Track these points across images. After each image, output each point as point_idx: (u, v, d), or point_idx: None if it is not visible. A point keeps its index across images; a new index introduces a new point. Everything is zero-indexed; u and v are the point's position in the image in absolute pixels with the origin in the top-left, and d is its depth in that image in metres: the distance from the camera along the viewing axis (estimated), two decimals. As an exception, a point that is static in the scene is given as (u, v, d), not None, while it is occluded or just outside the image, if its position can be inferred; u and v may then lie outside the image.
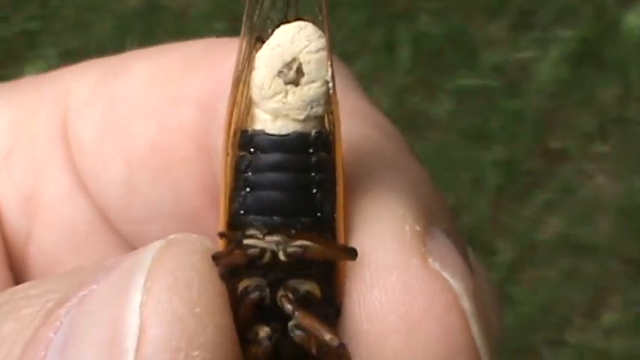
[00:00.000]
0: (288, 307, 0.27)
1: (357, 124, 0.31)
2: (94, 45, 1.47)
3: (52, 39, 1.53)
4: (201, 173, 0.33)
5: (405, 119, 1.53)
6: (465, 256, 0.29)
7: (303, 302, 0.27)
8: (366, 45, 1.56)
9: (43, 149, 0.35)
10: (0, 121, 0.35)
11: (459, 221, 1.50)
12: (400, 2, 1.58)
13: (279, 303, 0.27)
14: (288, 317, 0.27)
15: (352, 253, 0.27)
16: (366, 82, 1.57)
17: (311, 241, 0.27)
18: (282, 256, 0.27)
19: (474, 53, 1.53)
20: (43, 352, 0.26)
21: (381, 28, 1.56)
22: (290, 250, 0.27)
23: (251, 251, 0.27)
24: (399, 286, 0.27)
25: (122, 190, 0.34)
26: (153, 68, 0.33)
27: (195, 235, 0.28)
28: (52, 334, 0.27)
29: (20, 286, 0.29)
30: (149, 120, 0.33)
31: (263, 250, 0.27)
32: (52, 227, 0.35)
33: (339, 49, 1.52)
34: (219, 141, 0.30)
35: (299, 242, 0.27)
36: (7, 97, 0.35)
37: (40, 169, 0.35)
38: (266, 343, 0.27)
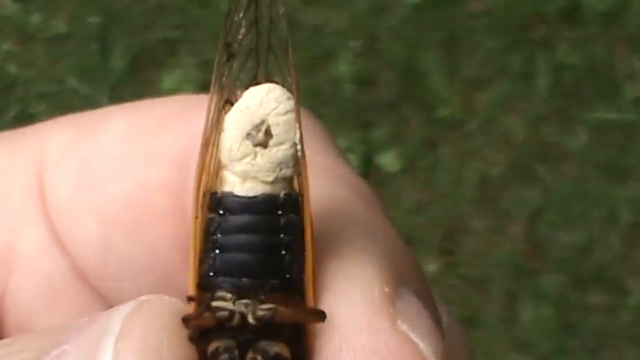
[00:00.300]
0: None
1: (330, 185, 0.31)
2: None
3: (191, 48, 1.56)
4: (175, 230, 0.33)
5: (538, 149, 1.49)
6: (435, 317, 0.29)
7: None
8: (503, 71, 1.53)
9: (19, 204, 0.35)
10: None
11: (590, 257, 1.46)
12: (540, 30, 1.54)
13: None
14: None
15: (321, 316, 0.27)
16: (501, 109, 1.54)
17: (280, 303, 0.27)
18: (251, 320, 0.27)
19: (614, 86, 1.48)
20: None
21: (519, 55, 1.53)
22: (259, 313, 0.27)
23: (220, 314, 0.27)
24: (368, 349, 0.27)
25: (97, 248, 0.34)
26: (128, 124, 0.34)
27: (166, 297, 0.28)
28: None
29: None
30: (124, 177, 0.33)
31: (232, 313, 0.27)
32: (28, 282, 0.35)
33: (474, 73, 1.49)
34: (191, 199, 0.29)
35: (268, 305, 0.27)
36: None
37: (16, 225, 0.35)
38: None
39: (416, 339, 0.27)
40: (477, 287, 1.49)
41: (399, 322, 0.27)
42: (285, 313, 0.27)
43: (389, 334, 0.27)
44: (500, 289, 1.48)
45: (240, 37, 0.29)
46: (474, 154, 1.55)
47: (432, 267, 1.48)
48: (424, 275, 0.31)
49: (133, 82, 1.53)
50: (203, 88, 1.55)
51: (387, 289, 0.28)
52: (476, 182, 1.54)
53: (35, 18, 1.60)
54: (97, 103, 1.50)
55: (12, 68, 1.58)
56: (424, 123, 1.55)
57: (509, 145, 1.55)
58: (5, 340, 0.29)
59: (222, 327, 0.27)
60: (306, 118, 0.32)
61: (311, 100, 1.54)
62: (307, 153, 0.28)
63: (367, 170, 1.53)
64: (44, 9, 1.60)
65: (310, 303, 0.28)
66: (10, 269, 0.35)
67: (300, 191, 0.28)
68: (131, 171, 0.33)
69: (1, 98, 1.56)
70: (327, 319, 0.27)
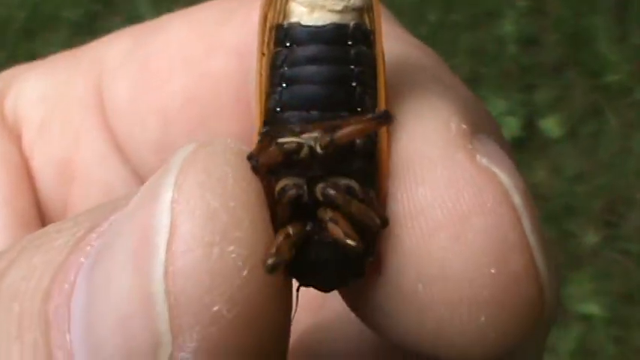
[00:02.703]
0: (330, 192, 0.25)
1: (398, 44, 0.30)
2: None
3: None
4: (238, 123, 0.33)
5: None
6: (514, 162, 0.27)
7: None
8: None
9: (78, 116, 0.35)
10: (34, 92, 0.35)
11: None
12: None
13: (318, 195, 0.26)
14: (327, 208, 0.26)
15: (386, 116, 0.26)
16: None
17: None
18: (319, 149, 0.26)
19: None
20: (73, 277, 0.25)
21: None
22: (326, 139, 0.26)
23: (287, 146, 0.26)
24: (445, 181, 0.25)
25: (158, 147, 0.33)
26: (188, 25, 0.33)
27: (230, 139, 0.26)
28: (82, 259, 0.25)
29: (52, 225, 0.28)
30: (184, 72, 0.32)
31: (300, 145, 0.26)
32: (89, 190, 0.35)
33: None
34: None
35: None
36: (43, 69, 0.36)
37: (75, 136, 0.35)
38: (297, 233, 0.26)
39: (496, 171, 0.26)
40: (639, 263, 1.43)
41: (477, 156, 0.26)
42: (348, 124, 0.25)
43: (467, 166, 0.26)
44: (663, 267, 1.42)
45: None
46: (641, 123, 1.48)
47: (592, 239, 1.42)
48: (501, 131, 0.29)
49: None
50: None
51: (463, 126, 0.26)
52: (642, 153, 1.47)
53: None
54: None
55: None
56: (589, 88, 1.49)
57: (679, 115, 1.48)
58: (63, 220, 0.28)
59: (291, 162, 0.26)
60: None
61: (473, 58, 1.50)
62: (402, 34, 0.29)
63: (528, 134, 1.47)
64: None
65: (383, 141, 0.27)
66: (70, 181, 0.35)
67: (371, 26, 0.27)
68: (192, 66, 0.32)
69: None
70: (400, 152, 0.26)
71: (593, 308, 1.40)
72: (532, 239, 0.26)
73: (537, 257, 0.26)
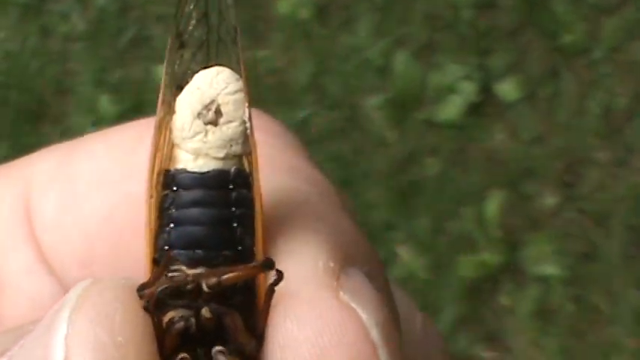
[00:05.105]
0: (221, 313, 0.28)
1: (288, 179, 0.32)
2: None
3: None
4: None
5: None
6: (389, 304, 0.30)
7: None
8: (631, -4, 1.46)
9: (6, 230, 0.36)
10: None
11: None
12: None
13: (205, 317, 0.28)
14: (212, 342, 0.29)
15: (269, 263, 0.28)
16: (628, 36, 1.47)
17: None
18: (205, 287, 0.28)
19: None
20: None
21: (649, -22, 1.45)
22: (212, 279, 0.28)
23: (176, 279, 0.28)
24: (310, 317, 0.28)
25: (81, 261, 0.35)
26: (106, 146, 0.35)
27: (121, 276, 0.29)
28: None
29: None
30: (104, 192, 0.35)
31: (187, 279, 0.28)
32: (17, 303, 0.36)
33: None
34: None
35: (219, 269, 0.29)
36: None
37: (3, 249, 0.37)
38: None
39: (357, 308, 0.28)
40: (597, 222, 1.45)
41: (341, 293, 0.28)
42: (235, 270, 0.28)
43: (330, 304, 0.28)
44: (622, 224, 1.44)
45: (190, 28, 0.31)
46: (598, 83, 1.49)
47: (550, 200, 1.44)
48: (382, 267, 0.32)
49: (246, 5, 1.51)
50: (318, 13, 1.52)
51: (331, 264, 0.29)
52: (600, 113, 1.48)
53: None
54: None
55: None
56: (546, 50, 1.50)
57: (635, 74, 1.49)
58: None
59: (178, 296, 0.28)
60: (276, 125, 0.34)
61: (428, 25, 1.50)
62: (274, 154, 0.31)
63: (485, 99, 1.49)
64: None
65: (261, 281, 0.29)
66: (1, 291, 0.37)
67: (250, 169, 0.29)
68: (111, 187, 0.35)
69: (119, 20, 1.57)
70: (275, 287, 0.28)
71: (551, 269, 1.42)
72: None
73: None
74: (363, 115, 1.48)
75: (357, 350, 0.28)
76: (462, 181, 1.45)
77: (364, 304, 0.28)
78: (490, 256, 1.41)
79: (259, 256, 0.29)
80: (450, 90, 1.48)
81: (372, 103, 1.48)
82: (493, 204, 1.43)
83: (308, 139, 1.49)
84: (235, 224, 0.29)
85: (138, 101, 1.49)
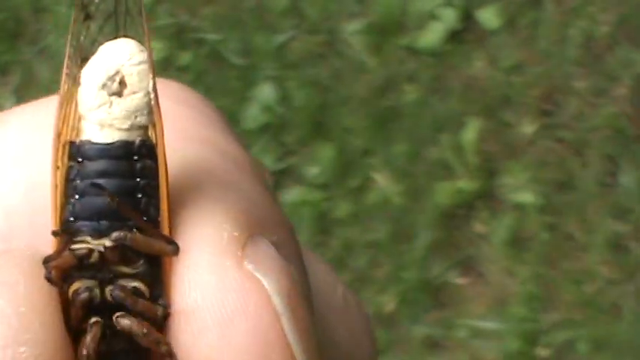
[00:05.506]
0: (119, 294, 0.29)
1: (200, 149, 0.32)
2: None
3: None
4: None
5: (648, 8, 1.42)
6: (296, 266, 0.30)
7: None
8: None
9: None
10: None
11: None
12: None
13: (108, 297, 0.29)
14: (116, 310, 0.29)
15: (174, 246, 0.29)
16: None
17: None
18: (109, 252, 0.29)
19: None
20: None
21: None
22: (115, 235, 0.29)
23: (79, 252, 0.29)
24: (213, 286, 0.28)
25: (2, 237, 0.34)
26: (26, 119, 0.35)
27: (25, 247, 0.30)
28: None
29: None
30: (23, 167, 0.34)
31: (91, 250, 0.29)
32: None
33: None
34: None
35: (124, 232, 0.29)
36: None
37: None
38: (95, 329, 0.29)
39: (260, 277, 0.29)
40: (575, 150, 1.45)
41: (245, 262, 0.29)
42: (140, 238, 0.29)
43: (234, 273, 0.28)
44: (599, 154, 1.44)
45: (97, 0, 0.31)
46: (579, 11, 1.48)
47: (528, 128, 1.45)
48: (294, 237, 0.32)
49: None
50: None
51: (236, 234, 0.29)
52: (580, 41, 1.48)
53: None
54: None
55: None
56: (528, -23, 1.49)
57: (618, 2, 1.48)
58: None
59: (83, 267, 0.29)
60: (192, 96, 0.34)
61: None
62: (187, 125, 0.31)
63: (466, 26, 1.48)
64: None
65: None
66: None
67: (155, 140, 0.29)
68: (30, 162, 0.34)
69: None
70: (179, 258, 0.29)
71: (527, 197, 1.43)
72: (292, 338, 0.29)
73: (298, 354, 0.29)
74: (342, 40, 1.47)
75: (260, 319, 0.28)
76: (441, 108, 1.45)
77: (268, 274, 0.29)
78: (466, 183, 1.42)
79: (164, 227, 0.29)
80: (431, 16, 1.47)
81: (352, 28, 1.48)
82: (471, 131, 1.43)
83: (286, 63, 1.48)
84: (140, 195, 0.29)
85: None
